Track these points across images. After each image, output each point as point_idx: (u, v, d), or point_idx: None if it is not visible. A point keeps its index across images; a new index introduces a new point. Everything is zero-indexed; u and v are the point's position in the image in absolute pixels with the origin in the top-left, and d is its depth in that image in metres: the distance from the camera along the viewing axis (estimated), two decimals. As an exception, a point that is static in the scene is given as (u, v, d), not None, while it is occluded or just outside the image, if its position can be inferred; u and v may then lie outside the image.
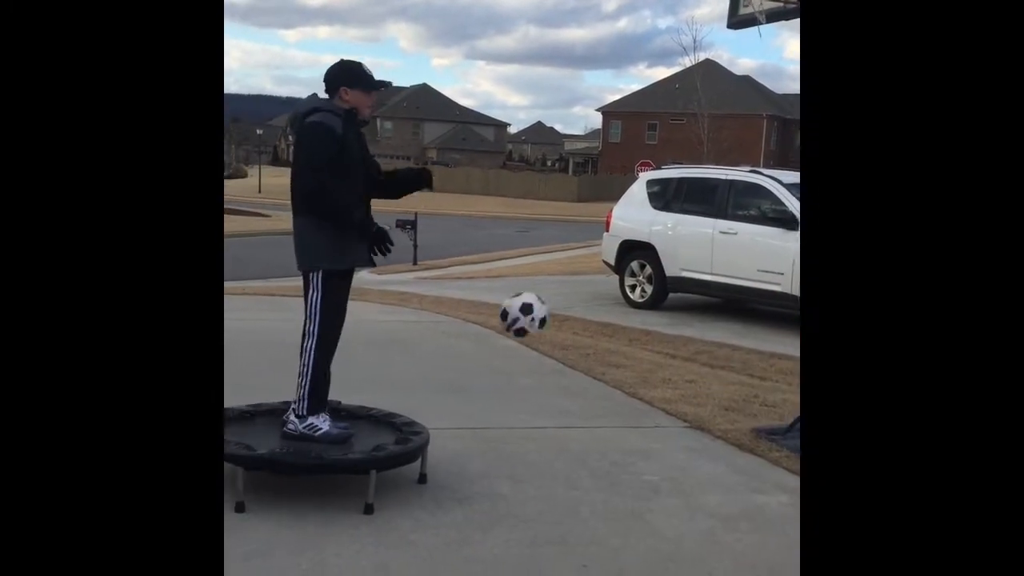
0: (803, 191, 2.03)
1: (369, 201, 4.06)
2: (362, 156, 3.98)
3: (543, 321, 4.20)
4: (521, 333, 4.28)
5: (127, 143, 1.90)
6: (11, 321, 1.76)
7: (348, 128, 3.89)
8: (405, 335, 7.89)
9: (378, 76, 4.00)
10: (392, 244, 3.92)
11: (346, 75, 3.93)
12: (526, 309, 4.20)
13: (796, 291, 8.69)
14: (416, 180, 4.24)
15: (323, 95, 3.97)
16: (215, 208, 2.04)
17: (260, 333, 7.65)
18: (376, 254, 3.93)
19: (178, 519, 1.86)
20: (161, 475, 1.87)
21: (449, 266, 16.55)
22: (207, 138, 2.00)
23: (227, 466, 3.73)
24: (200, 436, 1.94)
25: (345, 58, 4.03)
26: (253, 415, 4.26)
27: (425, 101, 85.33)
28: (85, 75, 1.85)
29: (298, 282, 4.24)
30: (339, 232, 3.87)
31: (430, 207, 28.03)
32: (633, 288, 10.89)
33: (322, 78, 3.96)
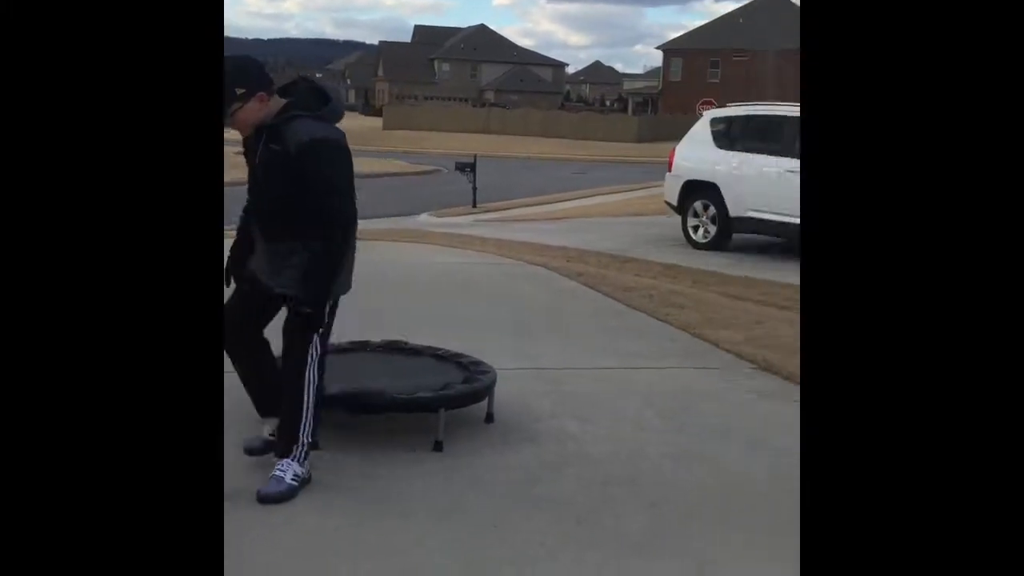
0: (803, 183, 2.00)
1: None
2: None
3: None
4: None
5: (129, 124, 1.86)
6: (11, 300, 1.76)
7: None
8: (468, 276, 7.90)
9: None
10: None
11: None
12: None
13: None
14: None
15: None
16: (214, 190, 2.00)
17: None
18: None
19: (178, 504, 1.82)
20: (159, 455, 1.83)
21: (508, 208, 16.43)
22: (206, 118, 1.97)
23: (299, 404, 3.81)
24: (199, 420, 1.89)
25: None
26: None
27: (482, 42, 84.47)
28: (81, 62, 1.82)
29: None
30: None
31: (488, 150, 27.92)
32: (696, 229, 10.73)
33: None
